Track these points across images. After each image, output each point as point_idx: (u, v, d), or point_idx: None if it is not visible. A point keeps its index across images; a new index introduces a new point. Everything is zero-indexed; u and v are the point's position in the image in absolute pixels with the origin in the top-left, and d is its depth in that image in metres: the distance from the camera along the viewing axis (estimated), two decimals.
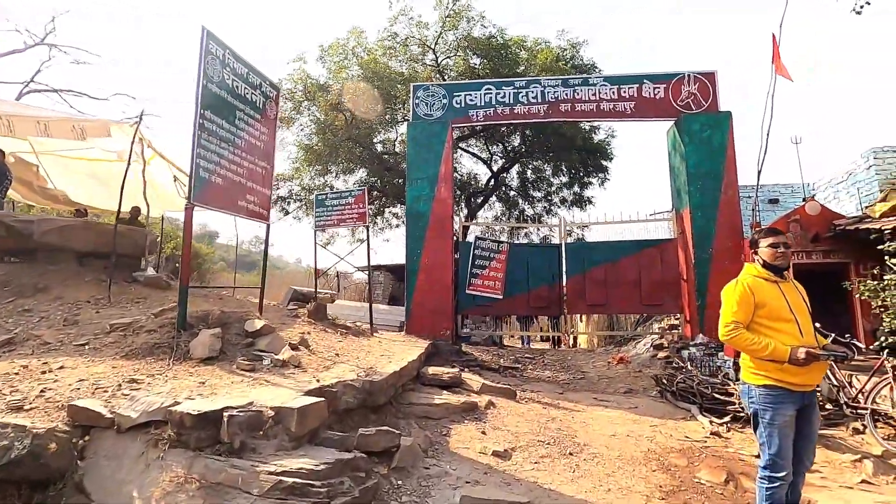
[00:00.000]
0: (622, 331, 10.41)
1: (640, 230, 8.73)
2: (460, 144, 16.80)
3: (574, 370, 8.54)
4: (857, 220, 6.37)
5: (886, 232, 5.53)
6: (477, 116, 8.74)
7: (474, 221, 11.69)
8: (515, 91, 8.73)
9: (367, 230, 8.15)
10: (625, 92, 8.52)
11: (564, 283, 8.49)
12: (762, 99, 7.01)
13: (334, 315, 11.95)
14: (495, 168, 17.59)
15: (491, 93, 8.75)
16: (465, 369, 7.36)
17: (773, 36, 7.16)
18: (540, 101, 8.65)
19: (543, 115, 8.67)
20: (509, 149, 17.39)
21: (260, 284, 5.94)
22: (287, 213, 15.41)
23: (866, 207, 7.27)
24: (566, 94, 8.63)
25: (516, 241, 12.88)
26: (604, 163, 16.56)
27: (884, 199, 6.93)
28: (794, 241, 7.00)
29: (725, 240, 7.68)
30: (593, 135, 16.26)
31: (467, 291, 8.37)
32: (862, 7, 8.17)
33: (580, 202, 16.65)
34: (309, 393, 3.18)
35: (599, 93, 8.57)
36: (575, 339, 14.75)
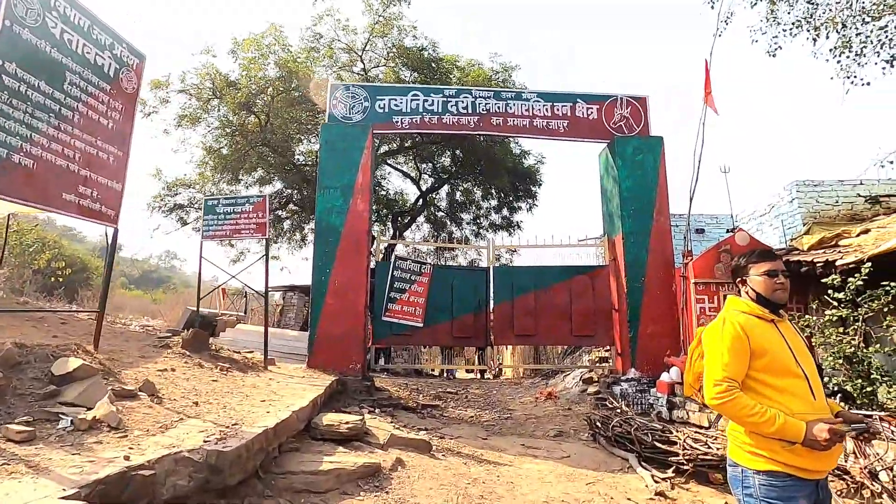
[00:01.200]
0: (549, 363, 9.82)
1: (571, 256, 8.25)
2: (388, 160, 15.93)
3: (500, 407, 7.71)
4: (786, 252, 6.22)
5: (819, 265, 5.30)
6: (402, 123, 7.89)
7: (395, 240, 10.65)
8: (445, 100, 8.01)
9: (267, 243, 6.91)
10: (558, 110, 8.10)
11: (491, 311, 7.73)
12: (687, 126, 6.81)
13: (231, 341, 10.35)
14: (424, 187, 16.88)
15: (418, 99, 7.97)
16: (377, 411, 6.27)
17: (706, 62, 7.04)
18: (470, 112, 8.00)
19: (473, 127, 8.01)
20: (439, 168, 16.78)
21: (98, 308, 4.52)
22: (185, 223, 13.54)
23: (791, 240, 7.27)
24: (498, 108, 8.05)
25: (441, 263, 12.01)
26: (533, 188, 16.43)
27: (807, 233, 6.94)
28: (724, 273, 6.74)
29: (658, 268, 7.33)
30: (524, 159, 16.12)
31: (384, 318, 7.33)
32: (775, 51, 8.42)
33: (509, 226, 16.31)
34: (89, 486, 1.98)
35: (533, 109, 8.08)
36: (500, 370, 14.10)
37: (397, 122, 7.89)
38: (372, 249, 7.71)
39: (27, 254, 17.29)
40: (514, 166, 15.38)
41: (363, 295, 7.01)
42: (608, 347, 7.82)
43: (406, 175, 16.74)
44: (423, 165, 16.62)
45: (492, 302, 7.74)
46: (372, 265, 7.75)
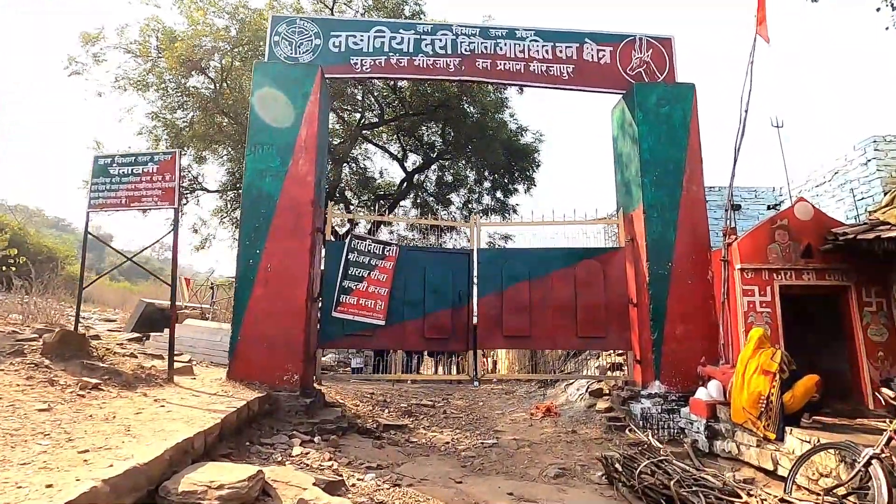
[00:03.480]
0: (547, 368, 8.15)
1: (575, 238, 6.55)
2: (370, 138, 14.21)
3: (484, 427, 6.07)
4: (868, 229, 4.59)
5: None
6: (362, 66, 6.17)
7: (352, 214, 8.63)
8: (417, 37, 6.29)
9: (177, 215, 5.21)
10: (561, 52, 6.39)
11: (475, 306, 6.06)
12: (717, 75, 5.14)
13: (176, 340, 8.73)
14: (410, 168, 15.16)
15: (384, 36, 6.25)
16: (316, 440, 4.63)
17: None
18: (450, 52, 6.28)
19: (454, 71, 6.30)
20: (426, 145, 15.05)
21: None
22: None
23: (870, 213, 5.62)
24: (485, 48, 6.34)
25: (410, 245, 10.15)
26: (530, 168, 14.75)
27: (891, 203, 5.29)
28: (780, 256, 5.08)
29: (689, 251, 5.67)
30: (520, 136, 14.41)
31: (334, 314, 5.66)
32: None
33: (503, 210, 14.61)
34: None
35: (529, 50, 6.37)
36: (495, 363, 12.44)
37: (356, 63, 6.17)
38: (323, 227, 6.02)
39: None
40: (509, 143, 13.69)
41: (304, 283, 5.33)
42: (623, 352, 6.19)
43: (389, 153, 15.02)
44: (409, 142, 14.88)
45: (475, 295, 6.07)
46: (323, 247, 6.08)
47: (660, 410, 5.23)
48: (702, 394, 4.94)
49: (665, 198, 5.77)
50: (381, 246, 5.93)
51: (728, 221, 5.48)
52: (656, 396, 5.33)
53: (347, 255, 5.78)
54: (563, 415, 6.30)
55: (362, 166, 14.50)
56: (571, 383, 7.09)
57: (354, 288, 5.73)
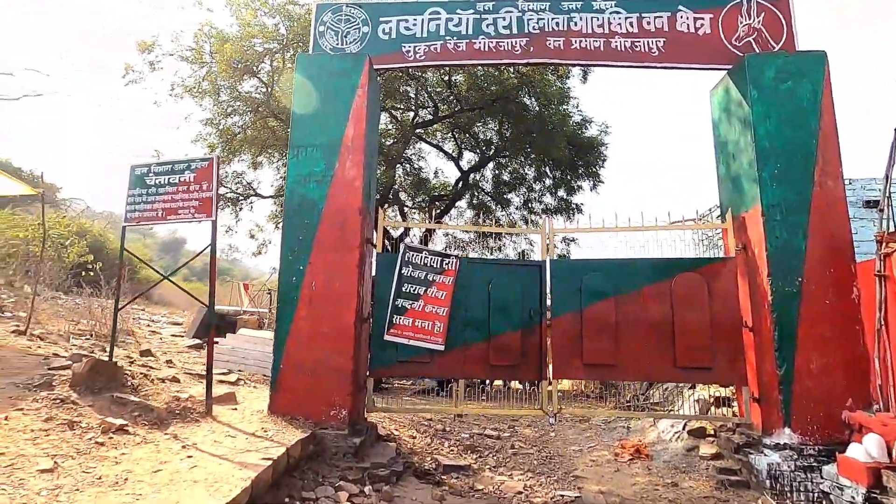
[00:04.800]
0: (623, 395, 7.06)
1: (664, 246, 5.45)
2: (423, 136, 13.56)
3: (561, 471, 5.15)
4: None
5: None
6: (415, 53, 5.44)
7: (406, 223, 7.63)
8: (478, 17, 5.47)
9: (214, 228, 4.70)
10: (649, 23, 5.35)
11: (548, 327, 5.16)
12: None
13: (230, 351, 8.48)
14: (466, 167, 14.39)
15: (439, 18, 5.48)
16: (367, 489, 3.95)
17: None
18: (516, 32, 5.41)
19: (521, 54, 5.42)
20: (482, 142, 14.20)
21: None
22: None
23: None
24: (557, 24, 5.41)
25: (472, 258, 9.29)
26: (595, 164, 13.55)
27: None
28: None
29: (824, 262, 4.48)
30: (584, 129, 13.26)
31: (387, 337, 4.96)
32: None
33: (567, 209, 13.53)
34: None
35: (609, 23, 5.38)
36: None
37: (408, 51, 5.44)
38: (373, 238, 5.35)
39: (60, 247, 16.51)
40: (573, 137, 12.59)
41: (353, 303, 4.66)
42: (734, 387, 5.07)
43: (444, 152, 14.30)
44: (464, 140, 14.09)
45: (548, 314, 5.17)
46: (373, 260, 5.40)
47: (793, 467, 4.11)
48: (856, 451, 3.78)
49: (791, 195, 4.60)
50: (439, 258, 5.16)
51: (883, 225, 4.25)
52: (787, 448, 4.20)
53: (401, 269, 5.06)
54: (655, 458, 5.27)
55: (416, 167, 13.85)
56: (658, 419, 5.99)
57: (409, 307, 5.00)
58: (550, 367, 5.09)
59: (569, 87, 12.35)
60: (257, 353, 9.30)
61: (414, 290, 5.05)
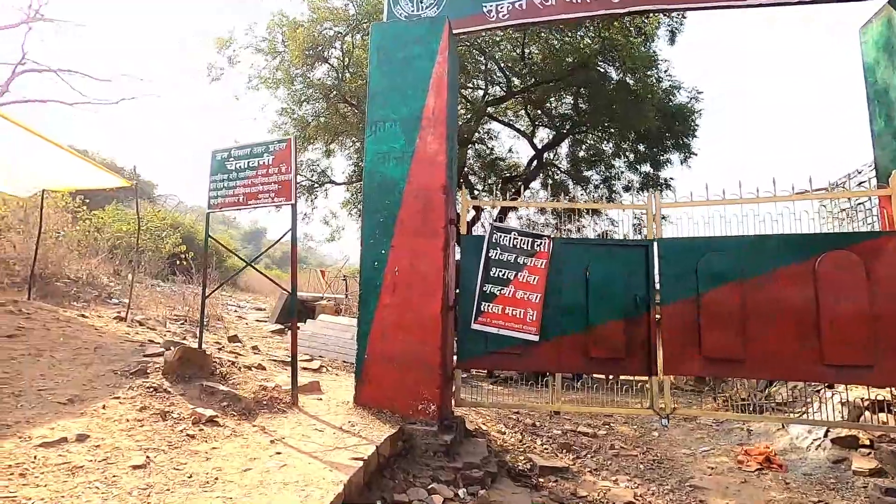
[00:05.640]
0: (745, 396, 6.16)
1: (785, 221, 4.53)
2: (491, 111, 12.95)
3: (675, 479, 4.53)
4: None
5: None
6: (497, 13, 4.90)
7: (493, 200, 6.64)
8: None
9: (294, 211, 4.52)
10: None
11: (657, 316, 4.51)
12: None
13: (310, 337, 8.57)
14: (540, 145, 13.63)
15: None
16: (461, 493, 3.61)
17: None
18: None
19: (620, 2, 4.71)
20: (556, 118, 13.35)
21: None
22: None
23: None
24: None
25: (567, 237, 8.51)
26: (686, 137, 12.29)
27: None
28: None
29: None
30: (672, 96, 12.03)
31: (474, 325, 4.56)
32: None
33: (653, 185, 12.42)
34: None
35: None
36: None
37: (489, 11, 4.91)
38: (456, 218, 4.94)
39: (157, 239, 17.91)
40: (661, 105, 11.44)
41: (439, 290, 4.30)
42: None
43: (517, 130, 13.62)
44: (538, 116, 13.31)
45: (657, 300, 4.52)
46: (457, 243, 5.00)
47: None
48: None
49: None
50: (530, 239, 4.66)
51: None
52: None
53: (488, 252, 4.62)
54: (791, 469, 4.48)
55: (489, 147, 13.30)
56: (785, 423, 5.12)
57: (499, 293, 4.56)
58: (660, 360, 4.44)
59: (656, 52, 11.19)
60: (337, 340, 9.33)
61: (503, 275, 4.59)
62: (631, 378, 5.95)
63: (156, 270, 16.79)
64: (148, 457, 2.72)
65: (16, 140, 5.43)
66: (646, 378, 4.54)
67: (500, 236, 4.68)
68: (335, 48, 10.81)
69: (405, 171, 4.51)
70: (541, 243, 4.64)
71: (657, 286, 4.56)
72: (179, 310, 10.15)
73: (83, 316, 5.72)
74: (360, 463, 3.05)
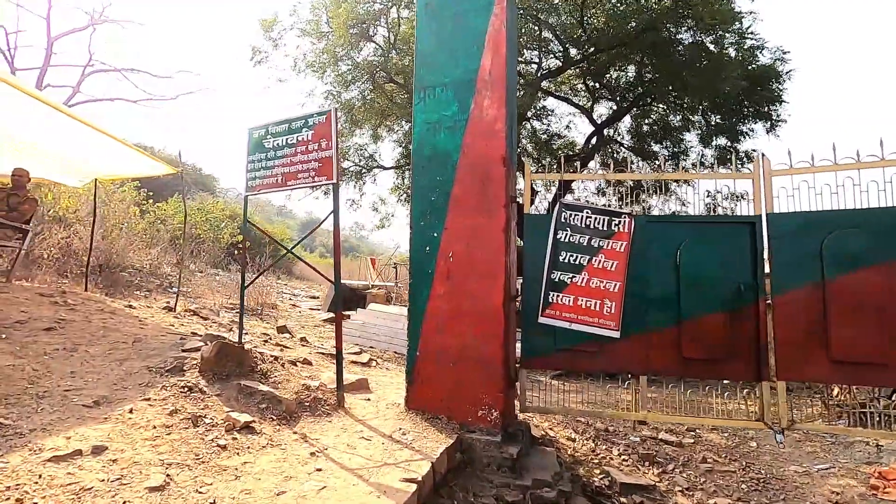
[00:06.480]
0: (866, 401, 5.16)
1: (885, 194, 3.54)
2: (545, 85, 12.05)
3: (787, 502, 3.74)
4: None
5: None
6: None
7: (562, 172, 5.53)
8: None
9: (336, 192, 4.05)
10: None
11: (768, 307, 3.69)
12: None
13: (360, 326, 8.31)
14: (599, 120, 12.60)
15: None
16: None
17: None
18: None
19: None
20: (618, 91, 12.25)
21: None
22: (314, 186, 11.90)
23: None
24: None
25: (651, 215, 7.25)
26: (772, 104, 10.87)
27: None
28: None
29: None
30: (754, 57, 10.65)
31: (541, 319, 3.94)
32: None
33: (731, 160, 11.12)
34: None
35: None
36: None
37: None
38: (518, 195, 4.30)
39: (216, 229, 18.43)
40: (742, 69, 10.12)
41: (500, 277, 3.71)
42: None
43: (574, 105, 12.65)
44: (597, 89, 12.26)
45: (767, 290, 3.70)
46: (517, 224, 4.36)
47: None
48: None
49: None
50: (607, 218, 3.95)
51: None
52: None
53: (557, 233, 3.96)
54: None
55: (545, 123, 12.45)
56: None
57: (570, 282, 3.90)
58: (773, 362, 3.64)
59: (737, 7, 9.89)
60: (387, 330, 8.98)
61: (575, 260, 3.93)
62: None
63: (215, 260, 17.28)
64: (168, 475, 2.33)
65: (68, 131, 5.33)
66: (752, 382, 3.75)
67: (571, 215, 4.00)
68: (380, 25, 10.33)
69: (459, 141, 3.92)
70: (620, 222, 3.93)
71: (767, 271, 3.74)
72: (235, 297, 10.19)
73: (129, 306, 5.59)
74: (413, 487, 2.54)
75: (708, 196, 10.05)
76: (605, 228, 3.94)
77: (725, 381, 5.15)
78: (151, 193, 14.21)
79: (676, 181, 5.86)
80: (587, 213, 4.00)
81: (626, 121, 13.07)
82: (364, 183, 12.46)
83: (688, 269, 3.83)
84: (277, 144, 4.26)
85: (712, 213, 8.69)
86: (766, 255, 3.74)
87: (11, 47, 18.62)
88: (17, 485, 2.04)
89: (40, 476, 2.13)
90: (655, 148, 12.12)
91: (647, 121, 12.75)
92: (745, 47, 10.15)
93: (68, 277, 8.10)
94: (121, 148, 5.66)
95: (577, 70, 11.51)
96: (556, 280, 3.93)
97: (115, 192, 11.38)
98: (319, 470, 2.65)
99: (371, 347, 7.94)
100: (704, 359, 3.79)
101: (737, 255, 3.80)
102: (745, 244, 3.81)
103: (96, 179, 6.82)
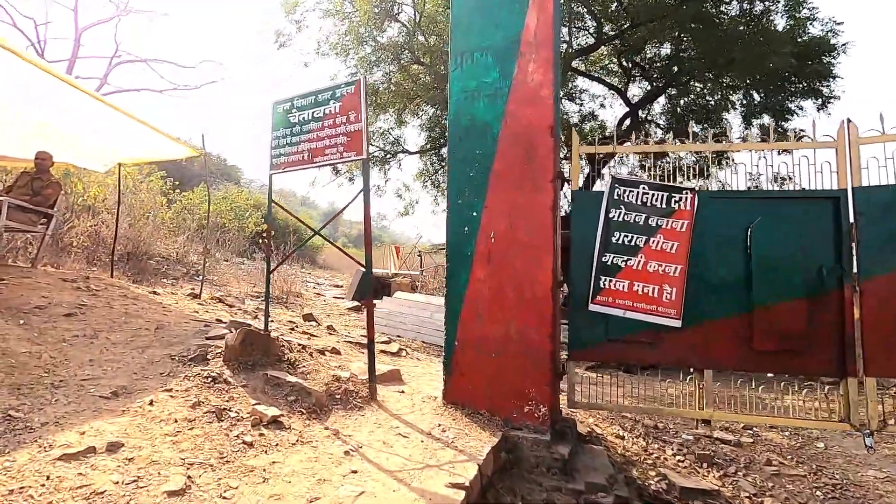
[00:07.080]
0: None
1: None
2: (576, 64, 11.51)
3: None
4: None
5: None
6: None
7: (611, 144, 4.99)
8: None
9: (366, 166, 3.74)
10: None
11: (857, 294, 3.25)
12: None
13: (386, 315, 8.09)
14: (634, 101, 12.00)
15: None
16: None
17: None
18: None
19: None
20: (653, 69, 11.63)
21: None
22: (338, 172, 11.67)
23: None
24: None
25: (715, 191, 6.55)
26: (823, 80, 10.13)
27: None
28: None
29: None
30: (805, 28, 9.92)
31: (592, 306, 3.58)
32: None
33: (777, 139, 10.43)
34: None
35: None
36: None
37: None
38: (564, 170, 3.92)
39: (241, 218, 18.48)
40: (790, 42, 9.42)
41: (549, 259, 3.35)
42: None
43: (608, 85, 12.07)
44: (631, 68, 11.65)
45: (855, 274, 3.25)
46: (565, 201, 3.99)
47: None
48: None
49: None
50: (665, 194, 3.54)
51: None
52: None
53: (609, 211, 3.58)
54: None
55: (577, 103, 11.93)
56: None
57: (624, 265, 3.52)
58: (861, 356, 3.20)
59: None
60: (414, 319, 8.71)
61: (630, 241, 3.54)
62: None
63: (240, 249, 17.33)
64: (189, 476, 2.08)
65: (91, 114, 5.16)
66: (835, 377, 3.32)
67: (625, 191, 3.61)
68: (406, 4, 9.95)
69: (500, 110, 3.55)
70: (681, 198, 3.52)
71: (854, 252, 3.29)
72: (260, 286, 10.08)
73: (154, 293, 5.43)
74: (462, 495, 2.23)
75: (749, 179, 9.46)
76: (663, 206, 3.54)
77: (799, 377, 4.68)
78: (178, 183, 14.23)
79: (737, 152, 5.33)
80: (644, 188, 3.60)
81: (660, 102, 12.45)
82: (389, 168, 12.18)
83: (760, 251, 3.40)
84: (303, 119, 3.97)
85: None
86: (852, 235, 3.29)
87: (41, 39, 18.85)
88: (22, 487, 1.81)
89: (48, 477, 1.90)
90: (696, 129, 11.46)
91: (682, 101, 12.10)
92: (799, 17, 9.43)
93: (97, 265, 8.06)
94: (143, 130, 5.48)
95: (611, 48, 10.93)
96: (609, 263, 3.56)
97: (142, 182, 11.37)
98: (355, 472, 2.37)
99: (399, 336, 7.69)
100: (779, 351, 3.37)
101: (818, 234, 3.36)
102: (827, 222, 3.36)
103: (120, 165, 6.68)
